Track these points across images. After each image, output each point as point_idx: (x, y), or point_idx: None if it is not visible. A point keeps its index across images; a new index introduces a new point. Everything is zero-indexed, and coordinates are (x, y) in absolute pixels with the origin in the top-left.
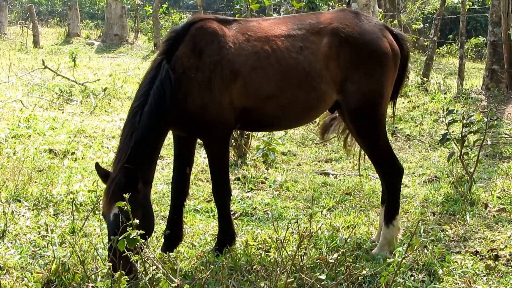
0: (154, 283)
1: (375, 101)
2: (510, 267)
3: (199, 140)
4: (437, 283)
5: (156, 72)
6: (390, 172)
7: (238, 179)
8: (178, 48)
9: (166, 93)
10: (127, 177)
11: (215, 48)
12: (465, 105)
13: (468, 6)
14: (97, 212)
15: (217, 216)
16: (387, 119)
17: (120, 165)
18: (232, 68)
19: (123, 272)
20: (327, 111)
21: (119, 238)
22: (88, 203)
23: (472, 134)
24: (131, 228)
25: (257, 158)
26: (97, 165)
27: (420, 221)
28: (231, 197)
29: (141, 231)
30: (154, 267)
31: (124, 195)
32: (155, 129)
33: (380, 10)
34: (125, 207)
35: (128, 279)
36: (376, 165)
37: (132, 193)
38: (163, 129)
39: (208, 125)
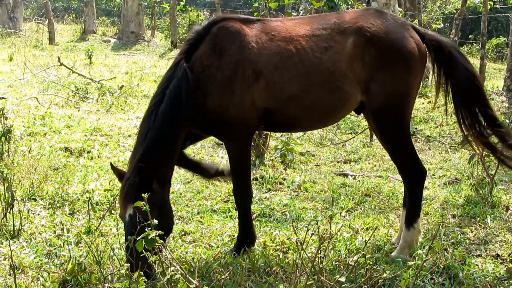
0: (172, 284)
1: (399, 102)
2: None
3: (217, 140)
4: (458, 287)
5: (173, 71)
6: (413, 174)
7: (256, 179)
8: (198, 47)
9: (182, 93)
10: (141, 177)
11: (236, 47)
12: None
13: (489, 6)
14: (113, 211)
15: (235, 216)
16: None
17: (134, 165)
18: (254, 68)
19: (142, 273)
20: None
21: (137, 239)
22: (104, 202)
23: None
24: (147, 228)
25: (275, 158)
26: (112, 165)
27: (441, 224)
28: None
29: (158, 231)
30: (172, 268)
31: (140, 195)
32: (170, 129)
33: (400, 9)
34: (143, 207)
35: (147, 280)
36: (399, 167)
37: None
38: (179, 129)
39: (229, 126)
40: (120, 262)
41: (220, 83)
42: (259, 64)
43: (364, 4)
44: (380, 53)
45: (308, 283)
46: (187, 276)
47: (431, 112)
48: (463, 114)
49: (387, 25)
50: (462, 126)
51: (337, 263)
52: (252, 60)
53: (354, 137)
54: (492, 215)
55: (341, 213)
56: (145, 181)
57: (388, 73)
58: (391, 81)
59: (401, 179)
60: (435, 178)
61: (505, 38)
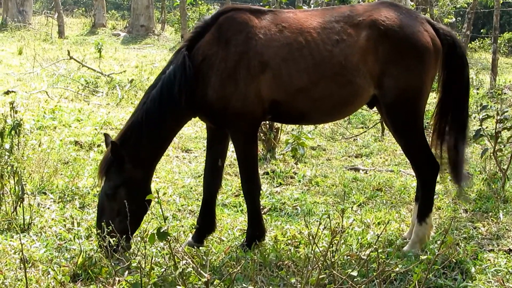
0: (184, 277)
1: (413, 97)
2: None
3: None
4: (470, 282)
5: (173, 58)
6: (426, 169)
7: (267, 173)
8: (203, 36)
9: (176, 79)
10: (112, 153)
11: (242, 38)
12: (498, 101)
13: (501, 0)
14: None
15: (245, 211)
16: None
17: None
18: (260, 59)
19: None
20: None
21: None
22: None
23: (506, 130)
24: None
25: (286, 152)
26: (105, 135)
27: (453, 218)
28: (260, 192)
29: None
30: (184, 262)
31: (110, 169)
32: (157, 113)
33: (412, 3)
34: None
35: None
36: (412, 162)
37: (116, 170)
38: (167, 114)
39: (232, 117)
40: (131, 256)
41: (222, 73)
42: (266, 55)
43: None
44: (394, 47)
45: (320, 277)
46: (199, 269)
47: None
48: (447, 117)
49: (401, 18)
50: (438, 126)
51: (349, 257)
52: (258, 51)
53: (365, 131)
54: (505, 210)
55: (352, 207)
56: (116, 157)
57: (402, 67)
58: (404, 75)
59: (412, 173)
60: (447, 172)
61: None
